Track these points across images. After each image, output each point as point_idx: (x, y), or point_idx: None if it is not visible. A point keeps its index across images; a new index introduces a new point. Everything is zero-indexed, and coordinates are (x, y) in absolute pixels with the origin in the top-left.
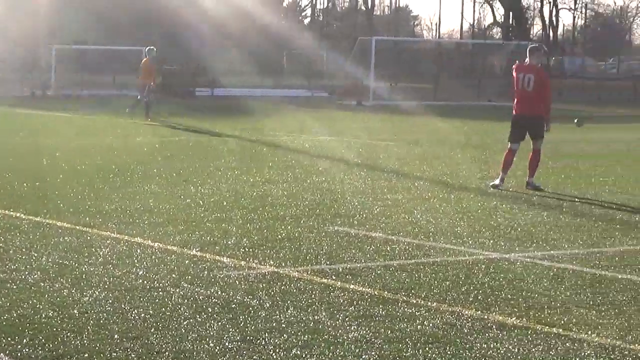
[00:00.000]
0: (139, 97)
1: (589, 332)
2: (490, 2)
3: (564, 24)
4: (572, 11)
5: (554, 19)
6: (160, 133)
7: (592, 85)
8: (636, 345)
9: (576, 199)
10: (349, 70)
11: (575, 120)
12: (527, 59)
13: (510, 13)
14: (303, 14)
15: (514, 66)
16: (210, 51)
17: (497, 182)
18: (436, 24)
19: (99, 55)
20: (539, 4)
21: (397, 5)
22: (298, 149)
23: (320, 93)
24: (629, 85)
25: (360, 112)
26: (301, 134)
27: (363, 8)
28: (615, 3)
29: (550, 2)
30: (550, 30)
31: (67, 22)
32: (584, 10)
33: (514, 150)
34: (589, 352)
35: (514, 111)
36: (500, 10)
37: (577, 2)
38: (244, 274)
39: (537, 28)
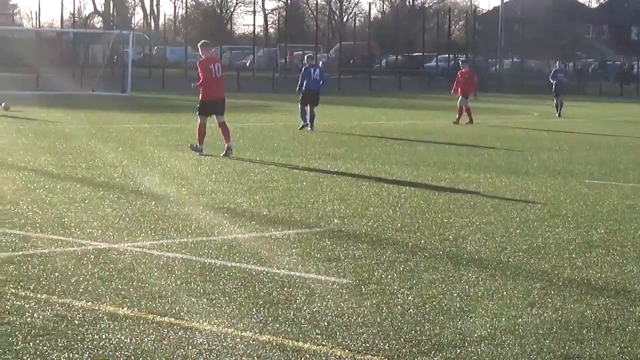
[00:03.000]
0: None
1: (201, 321)
2: None
3: (165, 14)
4: (173, 1)
5: (155, 8)
6: None
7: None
8: (247, 332)
9: (183, 189)
10: None
11: None
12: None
13: (111, 2)
14: None
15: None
16: None
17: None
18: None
19: None
20: None
21: None
22: None
23: None
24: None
25: None
26: None
27: None
28: None
29: None
30: (152, 20)
31: None
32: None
33: (204, 124)
34: (201, 340)
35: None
36: (100, 0)
37: None
38: None
39: (138, 17)
